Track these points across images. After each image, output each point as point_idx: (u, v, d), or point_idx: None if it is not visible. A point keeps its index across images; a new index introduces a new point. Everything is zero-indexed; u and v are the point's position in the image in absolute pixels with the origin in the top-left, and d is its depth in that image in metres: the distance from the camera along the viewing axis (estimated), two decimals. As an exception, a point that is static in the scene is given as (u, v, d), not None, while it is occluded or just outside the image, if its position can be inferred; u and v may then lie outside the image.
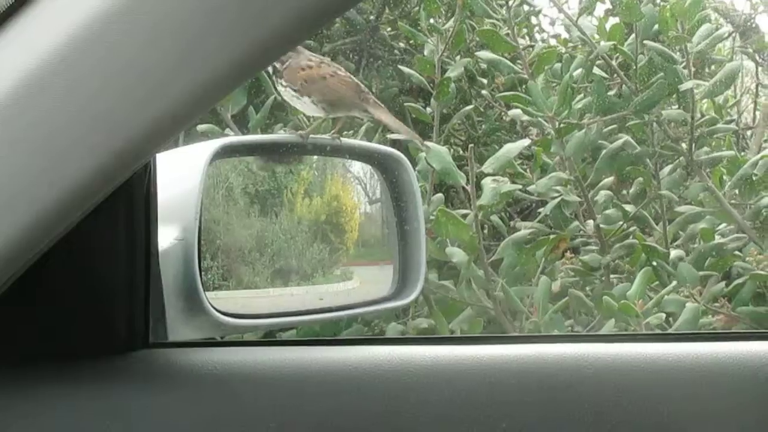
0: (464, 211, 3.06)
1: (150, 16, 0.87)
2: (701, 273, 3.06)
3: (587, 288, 3.29)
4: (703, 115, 3.42)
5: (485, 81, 4.00)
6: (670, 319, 2.91)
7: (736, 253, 3.21)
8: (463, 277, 3.03)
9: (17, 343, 1.18)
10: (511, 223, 3.72)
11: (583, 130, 3.19)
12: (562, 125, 3.13)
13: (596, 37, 3.33)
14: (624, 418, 1.23)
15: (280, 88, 1.84)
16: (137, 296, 1.23)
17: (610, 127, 3.31)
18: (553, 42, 4.39)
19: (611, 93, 3.35)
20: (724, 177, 3.28)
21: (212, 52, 0.87)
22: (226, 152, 1.52)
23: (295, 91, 1.82)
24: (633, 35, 3.26)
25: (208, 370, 1.22)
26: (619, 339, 1.42)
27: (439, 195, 3.18)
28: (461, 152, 4.01)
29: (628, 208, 3.29)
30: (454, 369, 1.25)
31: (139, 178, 1.20)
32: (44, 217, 0.92)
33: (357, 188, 1.83)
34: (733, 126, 3.80)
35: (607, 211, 3.28)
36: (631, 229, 3.34)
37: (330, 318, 1.95)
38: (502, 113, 4.08)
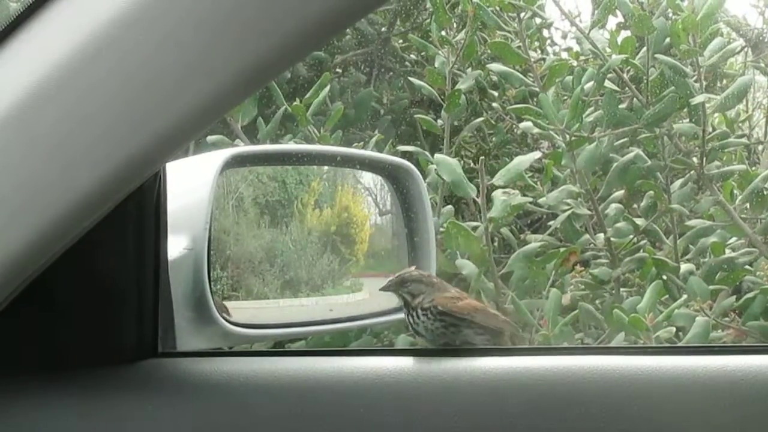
0: (474, 224, 3.05)
1: (161, 27, 0.87)
2: (711, 287, 3.05)
3: (597, 301, 3.28)
4: (714, 129, 3.41)
5: (496, 93, 4.00)
6: (680, 333, 2.90)
7: (747, 267, 3.21)
8: (473, 290, 3.03)
9: (24, 351, 1.18)
10: (522, 235, 3.71)
11: (594, 143, 3.18)
12: (573, 138, 3.13)
13: (608, 50, 3.32)
14: (633, 430, 1.23)
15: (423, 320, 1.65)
16: (146, 305, 1.23)
17: (621, 141, 3.30)
18: (564, 55, 4.39)
19: (622, 106, 3.35)
20: (735, 191, 3.27)
21: (223, 61, 0.88)
22: (237, 162, 1.52)
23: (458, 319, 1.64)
24: (644, 48, 3.25)
25: (216, 380, 1.21)
26: (629, 352, 1.41)
27: (449, 207, 3.18)
28: (472, 164, 4.01)
29: (639, 221, 3.28)
30: (464, 381, 1.25)
31: (150, 187, 1.20)
32: (55, 224, 0.93)
33: (367, 199, 1.83)
34: (744, 140, 3.80)
35: (618, 225, 3.27)
36: (642, 242, 3.33)
37: (339, 329, 1.95)
38: (513, 126, 4.07)
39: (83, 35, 0.89)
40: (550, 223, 3.40)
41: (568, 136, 3.12)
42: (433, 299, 1.48)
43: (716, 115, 3.52)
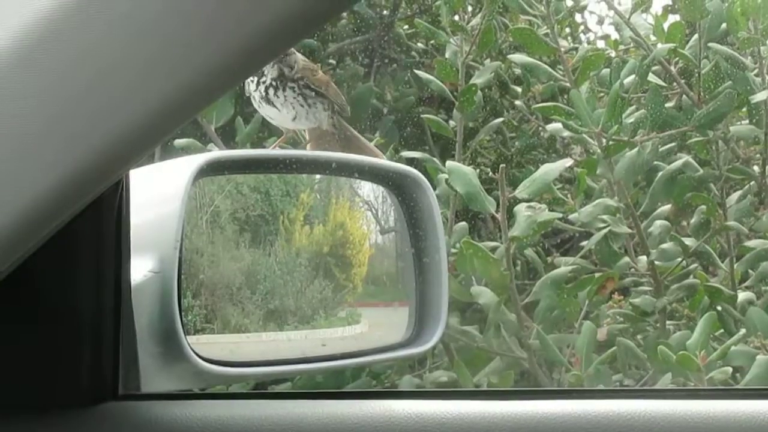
0: (493, 244, 3.07)
1: (126, 11, 0.87)
2: (775, 320, 3.06)
3: (639, 336, 3.29)
4: (779, 132, 3.43)
5: (519, 89, 4.01)
6: (738, 374, 2.91)
7: (818, 297, 3.21)
8: (491, 322, 3.04)
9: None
10: (549, 258, 3.72)
11: (636, 149, 3.19)
12: (610, 142, 3.14)
13: (652, 38, 3.34)
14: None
15: (288, 93, 2.09)
16: (105, 339, 1.23)
17: (667, 146, 3.31)
18: (600, 44, 4.40)
19: (669, 105, 3.36)
20: (805, 206, 3.29)
21: (196, 52, 0.87)
22: (213, 169, 1.52)
23: (316, 94, 2.12)
24: (696, 36, 3.27)
25: (187, 427, 1.22)
26: (677, 396, 1.42)
27: (463, 224, 3.18)
28: (490, 174, 4.02)
29: (689, 241, 3.29)
30: (480, 428, 1.25)
31: (109, 200, 1.20)
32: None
33: (367, 215, 1.83)
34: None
35: (664, 246, 3.28)
36: (692, 266, 3.34)
37: (333, 367, 1.96)
38: (540, 128, 4.09)
39: (33, 21, 0.89)
40: (583, 243, 3.40)
41: (604, 140, 3.13)
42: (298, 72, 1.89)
43: (781, 115, 3.53)
